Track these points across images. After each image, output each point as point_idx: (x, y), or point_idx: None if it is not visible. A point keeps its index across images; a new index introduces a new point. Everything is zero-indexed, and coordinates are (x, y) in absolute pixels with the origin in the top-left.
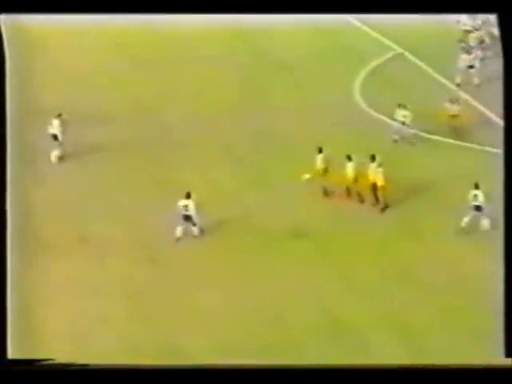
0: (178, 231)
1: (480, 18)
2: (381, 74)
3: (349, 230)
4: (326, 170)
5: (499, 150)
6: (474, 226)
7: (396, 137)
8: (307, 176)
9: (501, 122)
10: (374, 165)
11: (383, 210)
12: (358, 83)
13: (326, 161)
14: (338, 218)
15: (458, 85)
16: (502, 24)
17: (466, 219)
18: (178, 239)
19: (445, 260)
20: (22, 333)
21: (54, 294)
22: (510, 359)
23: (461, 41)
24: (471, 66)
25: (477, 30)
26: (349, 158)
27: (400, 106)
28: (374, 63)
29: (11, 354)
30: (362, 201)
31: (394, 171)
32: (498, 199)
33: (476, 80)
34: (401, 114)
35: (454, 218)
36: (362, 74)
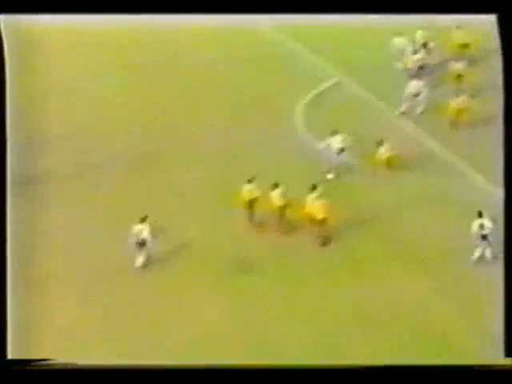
0: (138, 260)
1: (420, 40)
2: (323, 101)
3: (293, 264)
4: (256, 200)
5: (441, 179)
6: (419, 257)
7: (333, 165)
8: (330, 176)
9: (444, 152)
10: (312, 196)
11: (325, 243)
12: (299, 110)
13: (256, 191)
14: (281, 251)
15: (403, 113)
16: (502, 24)
17: (477, 252)
18: (138, 267)
19: (391, 293)
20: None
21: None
22: (509, 359)
23: (406, 69)
24: (418, 93)
25: (417, 52)
26: (275, 186)
27: (336, 131)
28: (316, 89)
29: (11, 354)
30: (292, 232)
31: (334, 202)
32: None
33: (420, 108)
34: (337, 140)
35: (398, 249)
36: (304, 100)
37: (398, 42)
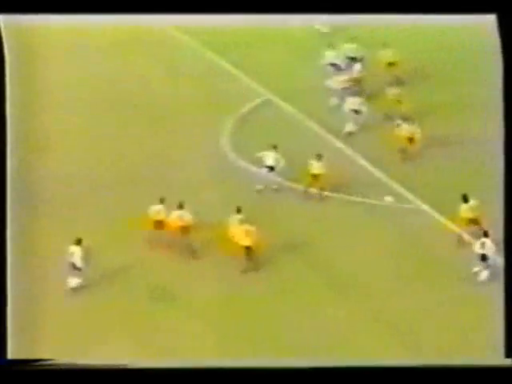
0: (70, 282)
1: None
2: (251, 121)
3: (218, 292)
4: (163, 222)
5: (373, 201)
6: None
7: (260, 186)
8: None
9: (378, 173)
10: (237, 218)
11: (252, 269)
12: (225, 130)
13: (163, 212)
14: (207, 278)
15: (350, 133)
16: (502, 24)
17: (475, 269)
18: (70, 289)
19: (320, 320)
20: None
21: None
22: (509, 359)
23: (347, 87)
24: (356, 111)
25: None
26: (180, 207)
27: (271, 148)
28: (244, 108)
29: (11, 354)
30: (194, 257)
31: (261, 225)
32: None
33: (356, 126)
34: (270, 157)
35: (328, 275)
36: (231, 120)
37: (329, 55)
